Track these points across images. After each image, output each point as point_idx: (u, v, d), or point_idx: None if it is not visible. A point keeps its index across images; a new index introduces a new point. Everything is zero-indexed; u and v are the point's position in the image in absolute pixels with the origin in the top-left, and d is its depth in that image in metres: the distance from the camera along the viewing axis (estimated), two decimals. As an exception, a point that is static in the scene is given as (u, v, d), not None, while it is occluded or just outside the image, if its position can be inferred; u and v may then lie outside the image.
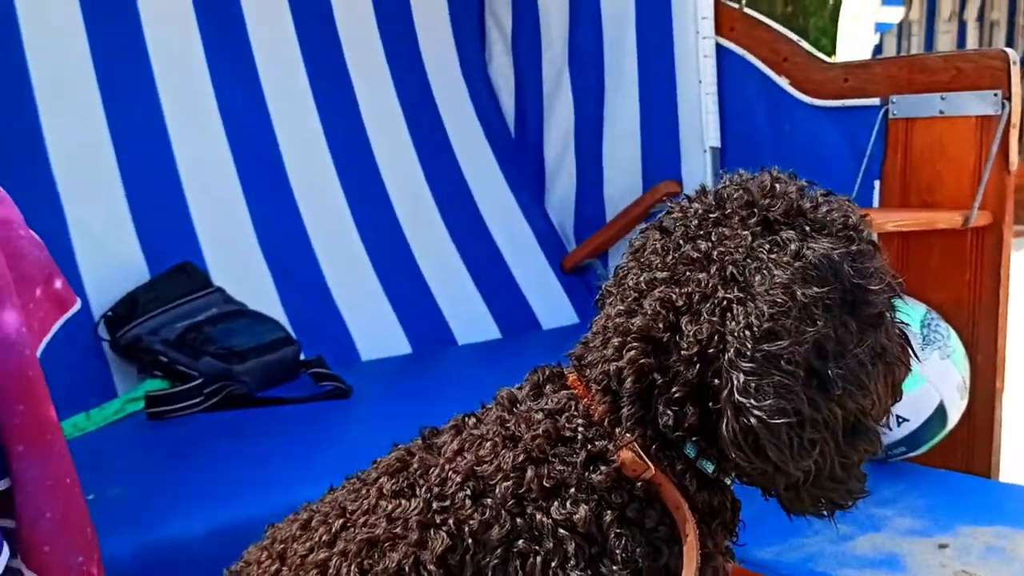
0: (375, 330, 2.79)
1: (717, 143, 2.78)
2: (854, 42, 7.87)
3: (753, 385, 0.91)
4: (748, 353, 0.91)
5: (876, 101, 2.30)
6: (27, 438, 1.03)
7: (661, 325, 0.97)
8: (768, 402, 0.90)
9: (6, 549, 1.02)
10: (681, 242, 1.00)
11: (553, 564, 0.96)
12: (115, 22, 2.61)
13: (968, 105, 2.15)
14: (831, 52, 8.98)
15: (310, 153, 2.93)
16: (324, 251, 2.82)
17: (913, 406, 1.95)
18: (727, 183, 1.05)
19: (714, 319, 0.94)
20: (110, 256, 2.44)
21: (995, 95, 2.10)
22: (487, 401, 1.14)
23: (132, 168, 2.55)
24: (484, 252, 3.15)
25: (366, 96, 3.11)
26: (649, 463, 0.98)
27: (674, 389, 0.97)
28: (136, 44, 2.65)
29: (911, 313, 2.02)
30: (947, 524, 1.77)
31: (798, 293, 0.92)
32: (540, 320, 3.11)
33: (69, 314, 1.41)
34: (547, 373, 1.10)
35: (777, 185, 1.01)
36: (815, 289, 0.93)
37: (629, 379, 0.99)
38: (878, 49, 8.02)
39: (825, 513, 1.00)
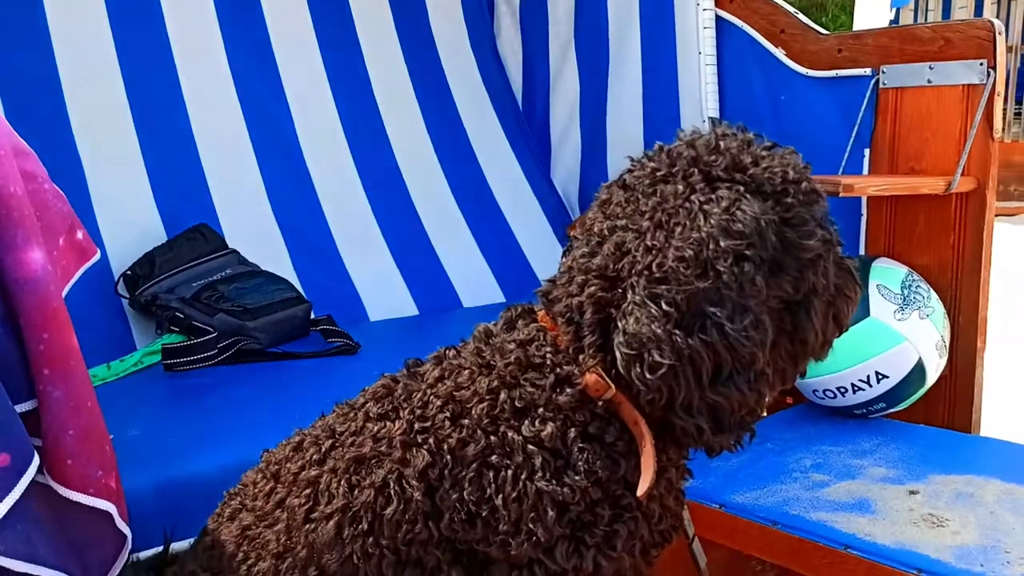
0: (383, 292, 2.91)
1: (716, 114, 2.85)
2: (871, 17, 7.84)
3: (631, 316, 1.03)
4: (639, 293, 1.03)
5: (868, 71, 2.37)
6: (51, 362, 1.15)
7: (615, 264, 1.07)
8: (631, 326, 1.02)
9: (36, 459, 1.14)
10: (640, 196, 1.10)
11: (523, 476, 1.07)
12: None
13: (955, 74, 2.21)
14: (850, 28, 8.95)
15: (322, 124, 3.05)
16: (335, 217, 2.94)
17: (892, 363, 2.03)
18: (680, 141, 1.14)
19: (635, 261, 1.05)
20: (129, 218, 2.58)
21: (980, 64, 2.16)
22: None
23: (151, 135, 2.69)
24: (490, 220, 3.26)
25: (377, 69, 3.21)
26: (611, 384, 1.08)
27: None
28: (155, 15, 2.77)
29: (892, 275, 2.10)
30: (920, 473, 1.85)
31: (709, 247, 1.01)
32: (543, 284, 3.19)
33: (89, 263, 1.53)
34: (519, 310, 1.21)
35: (722, 142, 1.10)
36: (729, 242, 1.02)
37: (589, 311, 1.09)
38: (894, 24, 8.00)
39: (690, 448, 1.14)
